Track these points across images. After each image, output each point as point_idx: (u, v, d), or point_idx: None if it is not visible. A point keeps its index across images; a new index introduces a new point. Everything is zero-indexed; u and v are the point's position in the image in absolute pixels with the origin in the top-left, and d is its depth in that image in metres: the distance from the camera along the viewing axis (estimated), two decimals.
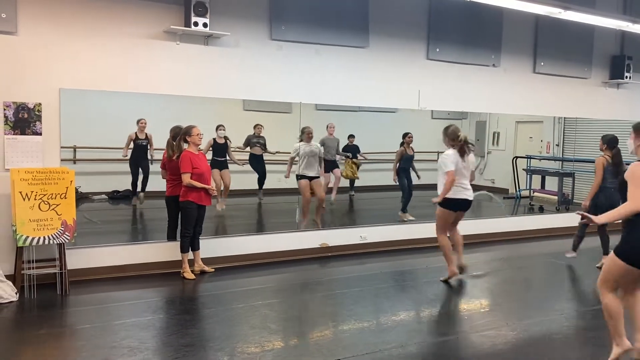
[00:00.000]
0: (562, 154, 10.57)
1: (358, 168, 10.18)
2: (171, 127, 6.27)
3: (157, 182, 6.76)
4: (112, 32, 5.73)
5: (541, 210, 9.95)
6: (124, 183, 8.62)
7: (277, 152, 9.03)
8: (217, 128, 8.54)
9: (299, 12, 6.68)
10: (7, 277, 5.12)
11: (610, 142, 6.51)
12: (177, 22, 5.95)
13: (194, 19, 5.83)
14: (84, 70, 5.62)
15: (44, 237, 5.22)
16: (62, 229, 5.30)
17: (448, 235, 6.05)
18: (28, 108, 5.41)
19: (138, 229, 8.33)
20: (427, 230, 7.26)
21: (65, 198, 5.31)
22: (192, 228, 5.95)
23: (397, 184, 8.74)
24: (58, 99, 5.54)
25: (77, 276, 5.61)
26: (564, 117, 10.16)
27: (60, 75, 5.52)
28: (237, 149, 9.03)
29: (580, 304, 5.65)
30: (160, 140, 7.24)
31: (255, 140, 9.17)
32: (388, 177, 8.91)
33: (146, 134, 8.51)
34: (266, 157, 9.20)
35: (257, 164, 9.22)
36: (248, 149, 9.18)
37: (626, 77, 9.14)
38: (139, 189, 8.47)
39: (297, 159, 7.71)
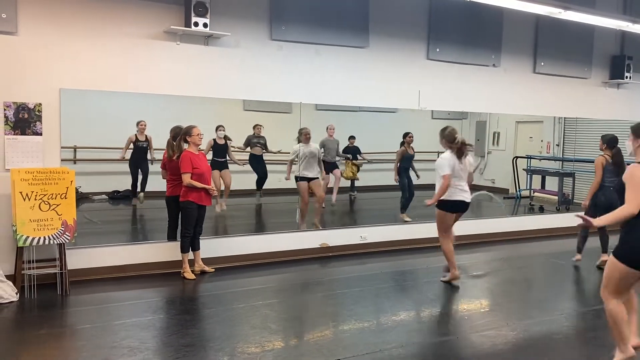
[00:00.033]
0: (562, 154, 10.56)
1: (358, 169, 10.18)
2: (171, 127, 6.26)
3: (157, 182, 6.75)
4: (112, 32, 5.73)
5: (541, 210, 9.94)
6: (124, 183, 8.63)
7: (279, 152, 9.02)
8: (217, 129, 8.52)
9: (299, 12, 6.68)
10: (8, 277, 5.13)
11: (610, 142, 6.53)
12: (177, 22, 5.95)
13: (194, 19, 5.83)
14: (84, 70, 5.62)
15: (44, 237, 5.22)
16: (63, 229, 5.30)
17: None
18: (28, 108, 5.41)
19: (138, 229, 8.34)
20: (427, 230, 7.28)
21: (66, 198, 5.31)
22: (192, 228, 5.95)
23: (398, 183, 8.75)
24: (58, 99, 5.54)
25: (77, 276, 5.61)
26: (564, 117, 10.15)
27: (60, 75, 5.52)
28: (238, 149, 9.03)
29: (581, 304, 5.65)
30: (160, 141, 7.24)
31: (255, 141, 9.16)
32: (388, 177, 8.91)
33: (146, 135, 8.51)
34: (266, 157, 9.19)
35: (258, 164, 9.21)
36: (248, 149, 9.18)
37: (626, 77, 9.13)
38: (138, 189, 8.48)
39: (296, 160, 7.71)
